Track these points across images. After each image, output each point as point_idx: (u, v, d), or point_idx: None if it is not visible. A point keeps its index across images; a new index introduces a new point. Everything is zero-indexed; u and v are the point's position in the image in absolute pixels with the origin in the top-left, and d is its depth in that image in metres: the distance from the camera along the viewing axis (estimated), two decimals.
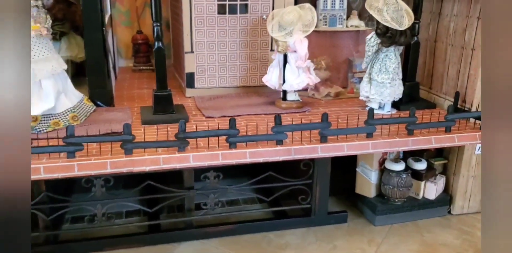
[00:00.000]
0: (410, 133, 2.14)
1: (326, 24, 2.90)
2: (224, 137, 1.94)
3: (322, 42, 2.95)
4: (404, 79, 2.57)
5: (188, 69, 2.76)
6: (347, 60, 3.01)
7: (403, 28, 2.33)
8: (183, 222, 2.32)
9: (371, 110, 2.08)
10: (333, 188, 2.43)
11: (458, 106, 2.45)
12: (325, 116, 2.01)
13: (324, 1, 2.86)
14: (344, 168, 2.60)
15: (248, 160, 1.93)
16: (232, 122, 1.91)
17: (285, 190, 2.34)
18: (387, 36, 2.37)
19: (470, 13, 2.40)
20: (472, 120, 2.31)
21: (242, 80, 2.86)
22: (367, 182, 2.52)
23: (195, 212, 2.30)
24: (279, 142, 1.99)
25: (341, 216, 2.49)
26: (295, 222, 2.42)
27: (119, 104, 2.61)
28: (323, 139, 2.02)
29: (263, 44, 2.82)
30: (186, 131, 1.89)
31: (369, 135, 2.09)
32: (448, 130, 2.20)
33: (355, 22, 2.92)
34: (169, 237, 2.28)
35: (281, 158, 1.97)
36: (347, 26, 2.93)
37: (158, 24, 2.21)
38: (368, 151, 2.09)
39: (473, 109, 2.37)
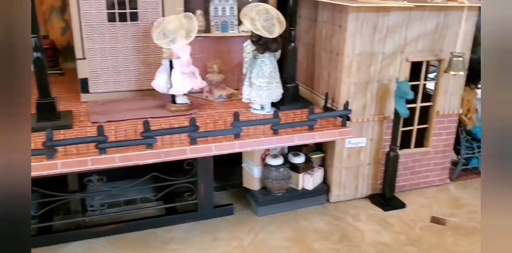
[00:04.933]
0: (275, 132, 2.37)
1: (218, 30, 3.08)
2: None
3: (216, 47, 3.13)
4: (285, 81, 2.81)
5: (81, 75, 2.86)
6: (240, 64, 3.20)
7: (273, 36, 2.55)
8: (74, 223, 2.46)
9: (236, 114, 2.29)
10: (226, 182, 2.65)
11: (329, 105, 2.72)
12: (192, 121, 2.20)
13: (215, 8, 3.02)
14: (234, 164, 2.84)
15: (118, 164, 2.09)
16: (100, 129, 2.06)
17: (171, 188, 2.52)
18: (260, 43, 2.58)
19: (334, 20, 2.65)
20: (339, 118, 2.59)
21: (137, 84, 2.99)
22: (251, 176, 2.75)
23: (89, 213, 2.44)
24: (149, 146, 2.16)
25: (227, 209, 2.70)
26: (183, 217, 2.60)
27: None
28: (192, 141, 2.21)
29: (156, 49, 2.95)
30: (56, 139, 2.02)
31: (236, 136, 2.30)
32: (311, 128, 2.45)
33: (247, 28, 3.11)
34: (58, 238, 2.40)
35: (150, 161, 2.15)
36: (239, 32, 3.12)
37: (36, 35, 2.31)
38: (236, 150, 2.30)
39: (340, 107, 2.63)
